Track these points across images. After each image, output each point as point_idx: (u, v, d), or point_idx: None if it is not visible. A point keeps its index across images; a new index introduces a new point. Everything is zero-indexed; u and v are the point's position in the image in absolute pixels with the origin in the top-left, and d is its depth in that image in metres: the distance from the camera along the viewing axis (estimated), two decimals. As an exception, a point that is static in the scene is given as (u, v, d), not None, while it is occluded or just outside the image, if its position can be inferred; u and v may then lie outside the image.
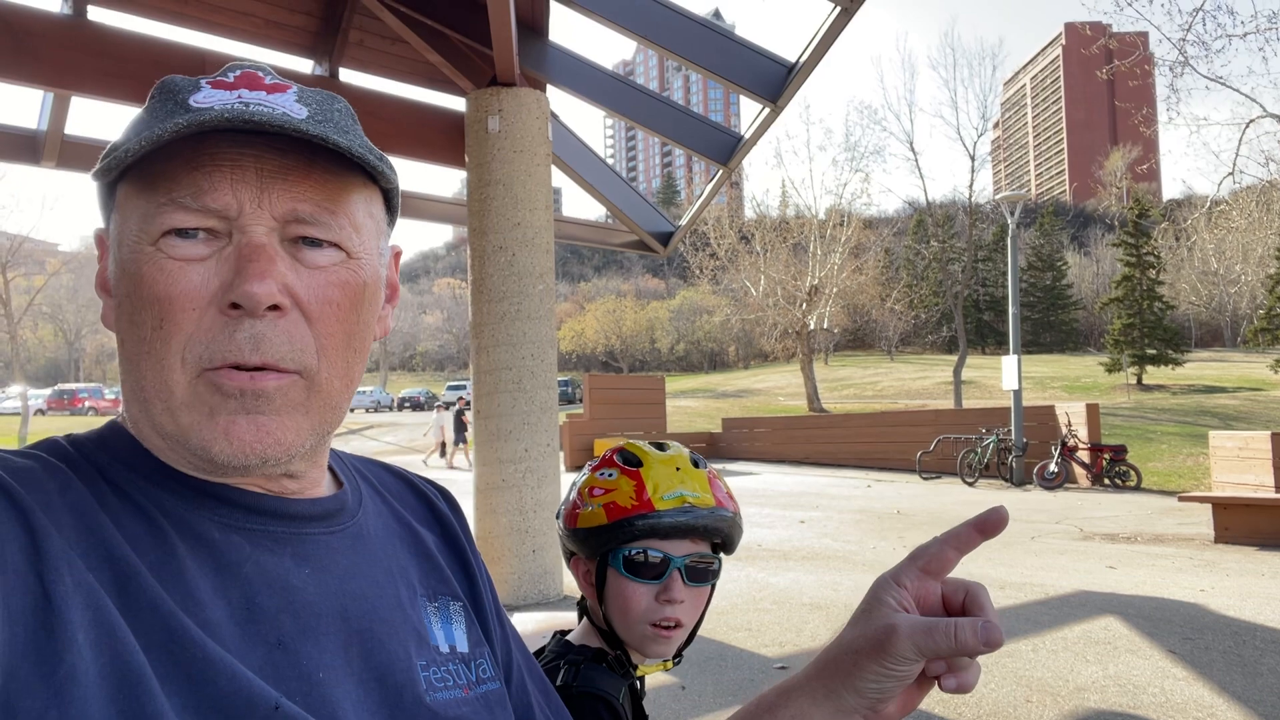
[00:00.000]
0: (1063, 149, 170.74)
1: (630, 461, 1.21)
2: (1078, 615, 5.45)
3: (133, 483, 0.63)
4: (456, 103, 7.16)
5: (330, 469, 0.78)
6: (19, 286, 47.37)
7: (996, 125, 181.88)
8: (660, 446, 1.23)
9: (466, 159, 6.40)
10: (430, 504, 0.87)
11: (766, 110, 6.77)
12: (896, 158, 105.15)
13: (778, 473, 17.40)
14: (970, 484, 14.47)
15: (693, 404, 40.86)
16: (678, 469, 1.19)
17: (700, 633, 4.38)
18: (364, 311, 0.69)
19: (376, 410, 50.99)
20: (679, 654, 1.22)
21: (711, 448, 21.63)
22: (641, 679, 1.27)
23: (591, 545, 1.18)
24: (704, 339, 74.86)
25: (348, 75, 7.06)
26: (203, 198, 0.61)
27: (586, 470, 1.25)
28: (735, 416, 24.91)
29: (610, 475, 1.20)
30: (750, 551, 8.09)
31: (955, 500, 12.37)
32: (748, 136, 7.36)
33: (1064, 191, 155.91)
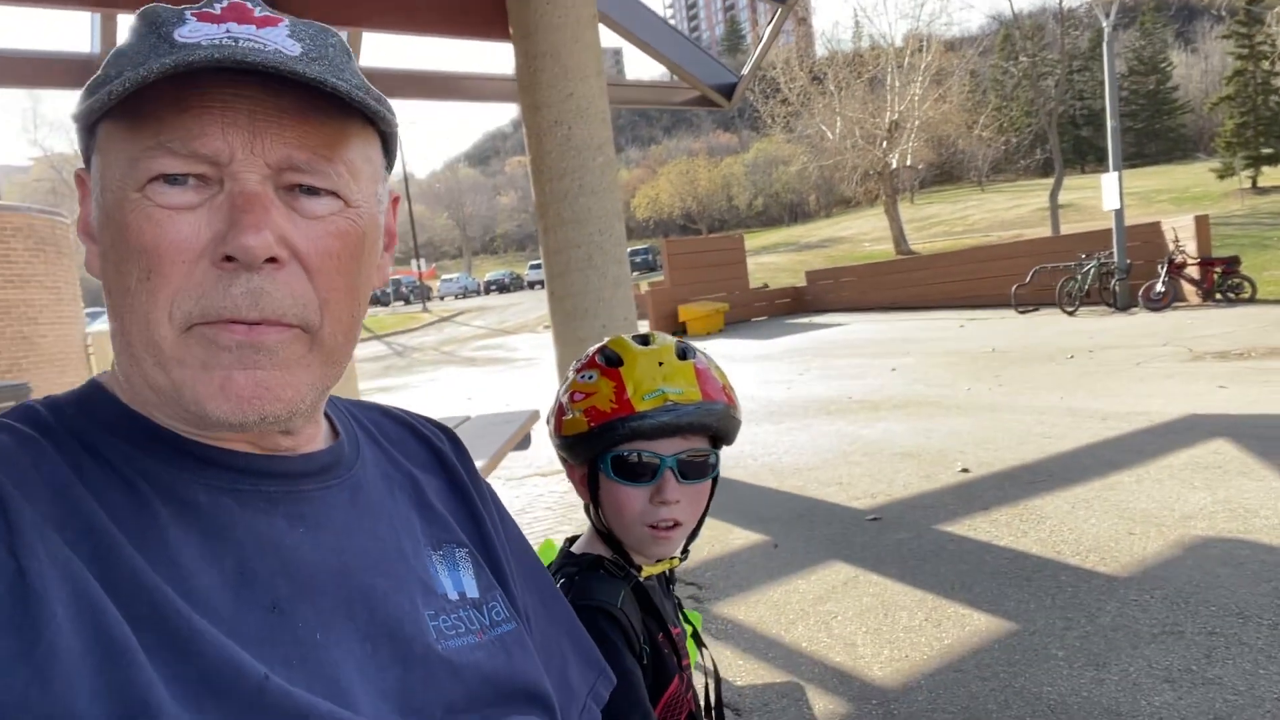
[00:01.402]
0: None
1: (611, 361, 1.15)
2: (1185, 441, 5.26)
3: (114, 448, 0.61)
4: (494, -28, 6.85)
5: (327, 418, 0.76)
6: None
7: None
8: (645, 341, 1.16)
9: (511, 31, 6.16)
10: (432, 447, 0.85)
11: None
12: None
13: (866, 321, 17.13)
14: (1070, 313, 13.93)
15: (775, 259, 40.23)
16: (660, 364, 1.12)
17: (791, 489, 4.38)
18: (364, 262, 0.66)
19: (465, 296, 52.03)
20: (685, 549, 1.19)
21: (796, 302, 21.37)
22: (669, 574, 1.25)
23: (579, 452, 1.14)
24: (782, 191, 72.77)
25: (381, -43, 6.82)
26: (192, 142, 0.57)
27: (571, 372, 1.19)
28: (819, 268, 24.42)
29: (591, 378, 1.14)
30: (840, 404, 8.05)
31: (1055, 331, 11.96)
32: (804, -32, 6.84)
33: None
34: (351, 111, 0.62)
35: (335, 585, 0.63)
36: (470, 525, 0.80)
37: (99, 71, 0.60)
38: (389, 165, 0.71)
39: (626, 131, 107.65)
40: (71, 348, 11.90)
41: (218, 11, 0.60)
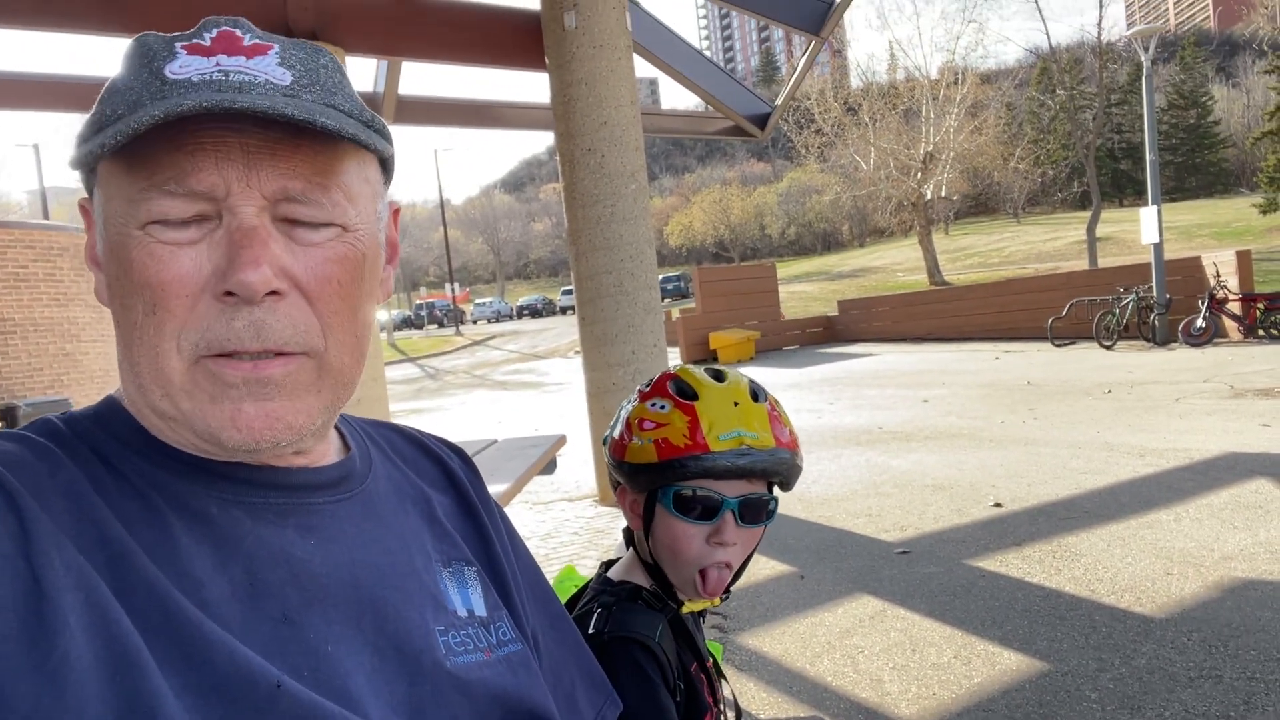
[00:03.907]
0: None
1: (685, 393, 1.12)
2: (1225, 479, 5.14)
3: (128, 461, 0.62)
4: (534, 2, 6.96)
5: (340, 434, 0.76)
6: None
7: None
8: (718, 376, 1.14)
9: (547, 61, 6.25)
10: (444, 466, 0.85)
11: (857, -31, 6.28)
12: (1014, 1, 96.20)
13: (898, 352, 16.99)
14: (1108, 347, 13.71)
15: (807, 288, 40.08)
16: (736, 404, 1.10)
17: (819, 520, 4.33)
18: (366, 283, 0.66)
19: (497, 320, 52.40)
20: (727, 590, 1.17)
21: (828, 331, 21.25)
22: (700, 613, 1.23)
23: (640, 481, 1.12)
24: (815, 220, 72.66)
25: (423, -13, 6.96)
26: (187, 180, 0.58)
27: (635, 397, 1.17)
28: (852, 297, 24.31)
29: (663, 408, 1.12)
30: (871, 435, 7.98)
31: (1092, 365, 11.78)
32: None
33: (1207, 18, 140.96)
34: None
35: (345, 597, 0.63)
36: (479, 545, 0.80)
37: (94, 109, 0.61)
38: (387, 180, 0.71)
39: (660, 160, 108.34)
40: (113, 365, 12.15)
41: (207, 43, 0.61)
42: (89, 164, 0.60)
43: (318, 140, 0.61)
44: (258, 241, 0.58)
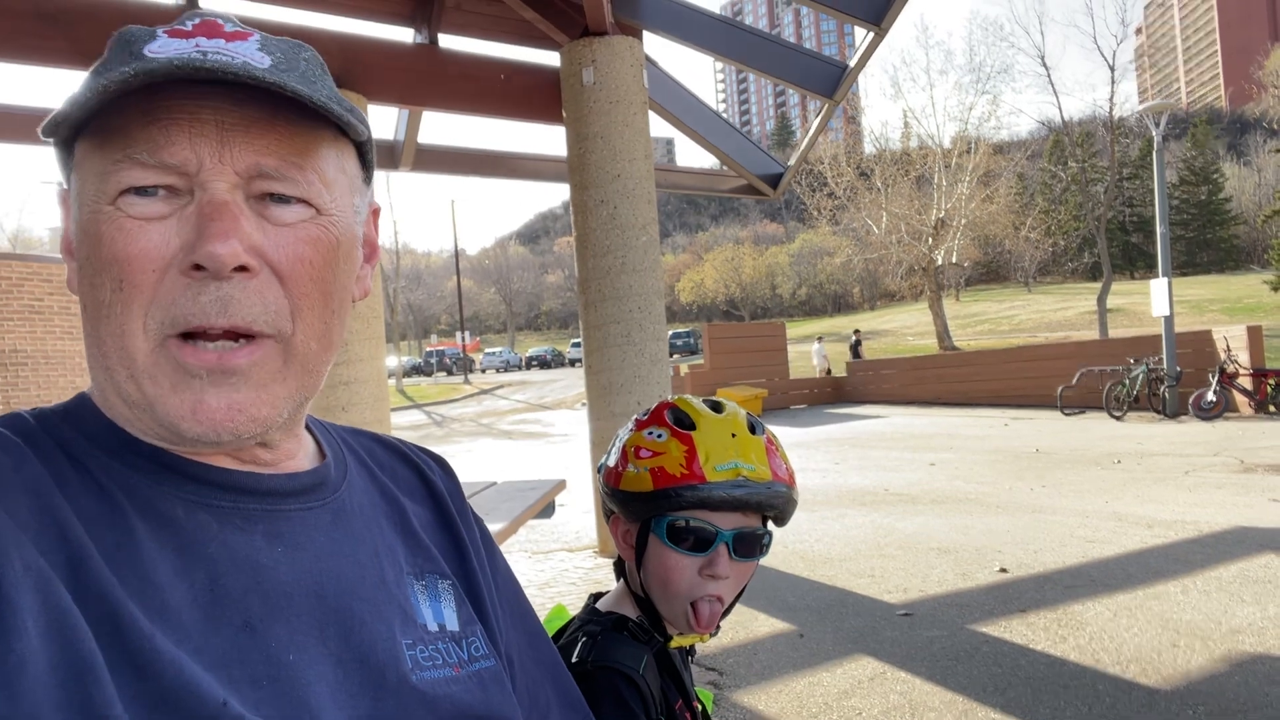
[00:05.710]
0: (1215, 51, 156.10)
1: (682, 423, 1.11)
2: (1234, 553, 5.06)
3: (95, 458, 0.61)
4: (553, 58, 7.13)
5: (316, 440, 0.75)
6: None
7: (1139, 30, 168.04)
8: (716, 407, 1.13)
9: (564, 114, 6.37)
10: (423, 476, 0.83)
11: (871, 35, 6.42)
12: (1027, 75, 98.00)
13: (907, 414, 16.91)
14: (1118, 418, 13.62)
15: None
16: (733, 435, 1.09)
17: (821, 579, 4.29)
18: (340, 271, 0.65)
19: (506, 370, 52.51)
20: (717, 625, 1.14)
21: (837, 392, 21.21)
22: (690, 646, 1.21)
23: (634, 510, 1.10)
24: (826, 282, 73.22)
25: (447, 41, 7.13)
26: (159, 153, 0.58)
27: (632, 425, 1.15)
28: (860, 359, 24.30)
29: (659, 436, 1.10)
30: (877, 496, 7.90)
31: (1101, 435, 11.69)
32: (853, 65, 7.01)
33: (1218, 97, 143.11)
34: (322, 121, 0.62)
35: (310, 607, 0.62)
36: (455, 558, 0.78)
37: (74, 90, 0.61)
38: (367, 178, 0.71)
39: (674, 217, 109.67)
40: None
41: (189, 28, 0.61)
42: (62, 130, 0.60)
43: (293, 122, 0.61)
44: (228, 215, 0.58)
